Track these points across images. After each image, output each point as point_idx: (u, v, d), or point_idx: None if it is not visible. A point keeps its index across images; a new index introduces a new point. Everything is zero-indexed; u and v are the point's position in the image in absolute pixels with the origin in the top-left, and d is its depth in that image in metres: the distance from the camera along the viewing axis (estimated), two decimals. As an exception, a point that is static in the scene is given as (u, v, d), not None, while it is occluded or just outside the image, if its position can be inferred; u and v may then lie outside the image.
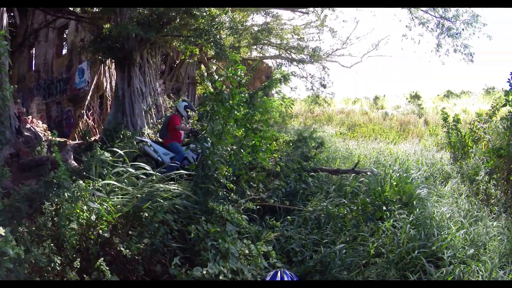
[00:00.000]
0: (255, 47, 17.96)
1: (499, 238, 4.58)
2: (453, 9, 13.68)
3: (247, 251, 3.61)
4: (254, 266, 3.45)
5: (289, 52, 18.00)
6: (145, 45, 12.78)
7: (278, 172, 5.89)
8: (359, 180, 5.76)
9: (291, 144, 7.06)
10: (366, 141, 11.16)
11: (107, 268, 3.16)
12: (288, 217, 4.83)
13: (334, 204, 4.99)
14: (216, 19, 11.26)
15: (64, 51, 19.52)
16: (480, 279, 3.64)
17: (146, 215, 3.86)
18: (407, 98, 24.77)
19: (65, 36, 19.45)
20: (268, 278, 2.31)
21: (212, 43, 11.15)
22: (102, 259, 3.24)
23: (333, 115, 18.97)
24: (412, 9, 14.14)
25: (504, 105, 7.07)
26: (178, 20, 11.57)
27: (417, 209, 4.72)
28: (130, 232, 3.86)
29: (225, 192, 4.87)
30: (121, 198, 4.17)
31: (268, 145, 5.41)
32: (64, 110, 18.27)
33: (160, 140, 7.69)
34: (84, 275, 3.21)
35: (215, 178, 4.67)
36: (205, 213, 4.24)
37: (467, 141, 8.63)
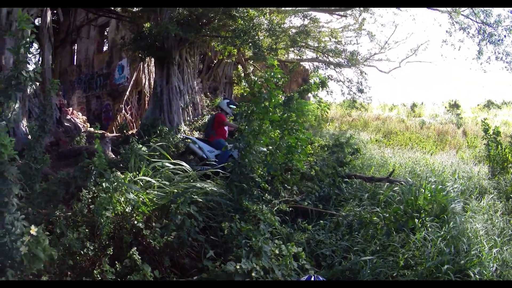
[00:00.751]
0: (292, 49, 18.01)
1: None
2: (494, 15, 13.42)
3: (277, 251, 3.71)
4: (284, 266, 3.54)
5: (326, 55, 17.99)
6: (184, 45, 13.17)
7: (313, 175, 5.96)
8: (393, 189, 5.75)
9: (326, 149, 7.09)
10: (402, 149, 11.00)
11: (139, 257, 3.32)
12: (321, 221, 4.88)
13: (367, 212, 5.01)
14: (255, 21, 11.45)
15: (105, 48, 20.35)
16: None
17: (173, 207, 4.03)
18: (445, 107, 24.27)
19: (105, 33, 20.26)
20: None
21: (250, 44, 11.37)
22: (135, 248, 3.42)
23: (369, 121, 18.73)
24: (453, 13, 13.88)
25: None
26: (216, 21, 11.87)
27: (450, 223, 4.68)
28: (154, 224, 4.03)
29: (259, 192, 4.99)
30: (157, 192, 4.38)
31: (303, 147, 5.50)
32: (103, 103, 19.06)
33: (206, 138, 7.83)
34: (116, 262, 3.37)
35: (250, 178, 4.81)
36: (238, 211, 4.38)
37: (507, 155, 8.41)
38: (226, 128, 7.72)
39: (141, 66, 16.69)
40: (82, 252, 3.41)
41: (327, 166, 6.02)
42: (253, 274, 3.22)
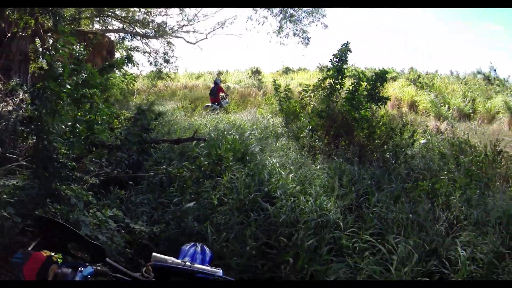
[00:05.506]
0: (98, 19, 16.64)
1: (322, 176, 5.45)
2: (297, -1, 15.33)
3: (95, 221, 3.68)
4: (105, 230, 3.57)
5: (133, 26, 17.27)
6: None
7: (119, 145, 5.87)
8: (200, 146, 6.15)
9: (132, 120, 7.02)
10: (207, 112, 11.76)
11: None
12: (137, 185, 5.00)
13: (177, 168, 5.24)
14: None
15: None
16: (309, 206, 4.36)
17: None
18: (248, 73, 26.12)
19: None
20: (186, 248, 2.10)
21: (50, 14, 10.05)
22: None
23: (177, 90, 19.10)
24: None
25: (326, 79, 8.34)
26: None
27: (252, 162, 5.35)
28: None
29: (67, 172, 4.71)
30: None
31: (103, 118, 5.34)
32: None
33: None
34: None
35: (54, 159, 4.49)
36: (51, 197, 4.08)
37: (295, 107, 9.87)
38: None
39: None
40: None
41: (132, 134, 5.99)
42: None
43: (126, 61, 13.15)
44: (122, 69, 13.47)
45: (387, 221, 4.33)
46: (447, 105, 15.17)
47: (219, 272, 1.52)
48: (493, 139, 7.57)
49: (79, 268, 1.18)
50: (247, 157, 5.62)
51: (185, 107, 12.85)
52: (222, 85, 15.97)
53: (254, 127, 8.35)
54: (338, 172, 5.68)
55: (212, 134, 6.80)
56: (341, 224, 4.09)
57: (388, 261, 3.65)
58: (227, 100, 14.76)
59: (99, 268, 1.23)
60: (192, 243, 2.06)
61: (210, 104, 13.94)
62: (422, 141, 7.80)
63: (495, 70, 21.50)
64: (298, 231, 3.92)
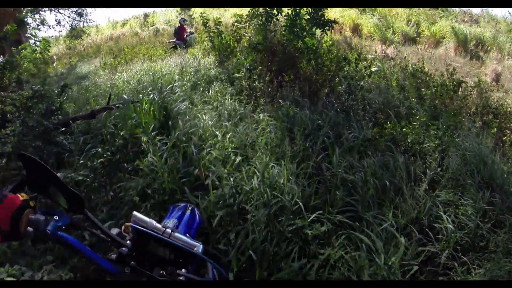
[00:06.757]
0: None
1: (267, 130, 4.35)
2: None
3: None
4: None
5: None
6: None
7: (11, 153, 4.13)
8: (115, 116, 4.61)
9: (29, 105, 5.02)
10: (130, 64, 9.95)
11: None
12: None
13: (76, 173, 3.65)
14: None
15: None
16: (255, 186, 3.20)
17: None
18: (177, 11, 23.66)
19: None
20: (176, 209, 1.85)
21: None
22: None
23: (102, 44, 16.67)
24: None
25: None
26: None
27: (176, 129, 4.01)
28: None
29: None
30: None
31: None
32: None
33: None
34: None
35: None
36: None
37: (229, 42, 8.44)
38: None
39: None
40: None
41: (31, 127, 4.14)
42: None
43: (16, 30, 10.86)
44: (35, 36, 11.46)
45: (355, 189, 3.31)
46: (391, 29, 14.24)
47: (198, 247, 1.38)
48: (442, 64, 6.76)
49: (54, 216, 1.16)
50: (170, 122, 4.25)
51: (107, 65, 10.71)
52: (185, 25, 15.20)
53: (182, 74, 6.93)
54: (287, 121, 4.50)
55: (126, 96, 5.11)
56: (301, 205, 2.95)
57: (366, 247, 2.70)
58: (192, 35, 14.44)
59: (76, 219, 1.23)
60: (183, 204, 1.88)
61: (174, 40, 13.85)
62: (374, 69, 6.75)
63: (439, -5, 20.57)
64: (246, 228, 2.81)
